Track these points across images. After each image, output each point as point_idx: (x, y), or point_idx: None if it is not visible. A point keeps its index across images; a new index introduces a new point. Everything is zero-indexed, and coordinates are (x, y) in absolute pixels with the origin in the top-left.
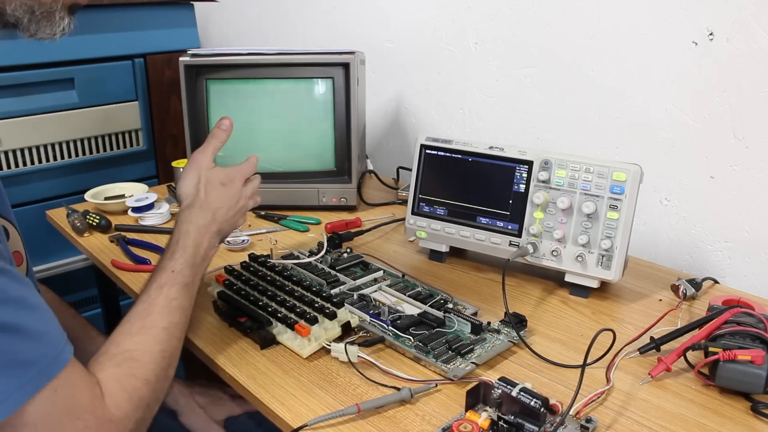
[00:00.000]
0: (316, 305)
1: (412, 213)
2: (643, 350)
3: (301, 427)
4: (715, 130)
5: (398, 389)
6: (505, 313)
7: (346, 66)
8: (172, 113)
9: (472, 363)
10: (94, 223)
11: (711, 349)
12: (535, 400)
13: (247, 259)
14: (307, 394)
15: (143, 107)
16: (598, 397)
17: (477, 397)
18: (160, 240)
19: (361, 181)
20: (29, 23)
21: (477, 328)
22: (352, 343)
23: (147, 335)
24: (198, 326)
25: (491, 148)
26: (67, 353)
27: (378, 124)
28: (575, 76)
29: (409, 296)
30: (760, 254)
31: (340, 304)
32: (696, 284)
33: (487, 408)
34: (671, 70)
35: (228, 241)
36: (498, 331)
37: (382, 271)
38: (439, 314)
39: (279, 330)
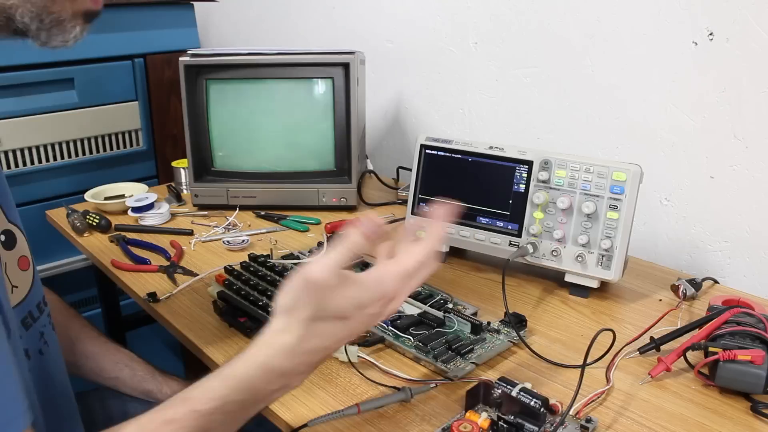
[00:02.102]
0: None
1: (412, 213)
2: (643, 350)
3: (301, 427)
4: (715, 130)
5: (398, 389)
6: (505, 313)
7: (346, 66)
8: (172, 113)
9: (472, 363)
10: (94, 223)
11: (711, 349)
12: (535, 400)
13: (247, 259)
14: (307, 394)
15: (143, 107)
16: (598, 397)
17: (477, 397)
18: (160, 240)
19: (361, 181)
20: (38, 31)
21: (477, 328)
22: (352, 343)
23: None
24: (198, 326)
25: (491, 148)
26: (16, 428)
27: (378, 124)
28: (575, 76)
29: (409, 296)
30: (760, 254)
31: None
32: (696, 284)
33: (487, 408)
34: (671, 70)
35: (228, 241)
36: (498, 331)
37: None
38: (439, 314)
39: None
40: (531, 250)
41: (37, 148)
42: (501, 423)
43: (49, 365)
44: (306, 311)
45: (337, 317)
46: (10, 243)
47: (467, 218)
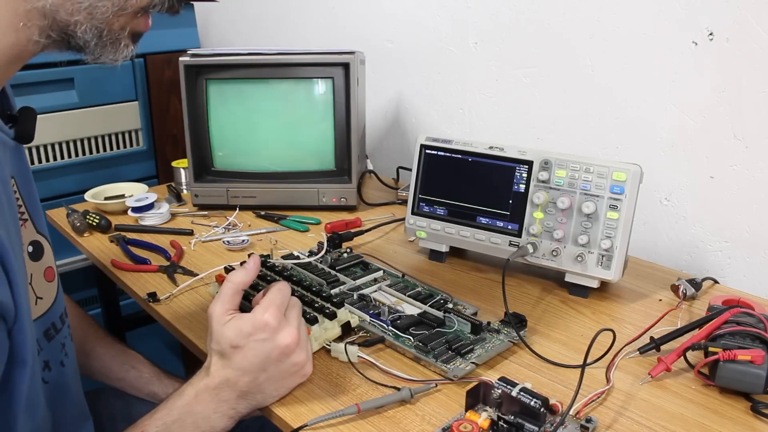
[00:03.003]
0: (316, 305)
1: (412, 213)
2: (643, 350)
3: (301, 427)
4: (715, 130)
5: (398, 389)
6: (505, 313)
7: (346, 66)
8: (172, 113)
9: (472, 363)
10: (94, 223)
11: (711, 349)
12: (535, 400)
13: (247, 259)
14: (307, 394)
15: (143, 107)
16: (598, 397)
17: (477, 397)
18: (160, 240)
19: (361, 181)
20: (95, 47)
21: (477, 328)
22: (352, 343)
23: None
24: (198, 326)
25: (491, 148)
26: None
27: (378, 124)
28: (575, 76)
29: (409, 296)
30: (760, 254)
31: (340, 304)
32: (696, 284)
33: (487, 408)
34: (671, 70)
35: (228, 241)
36: (498, 331)
37: (382, 271)
38: (439, 314)
39: None
40: (531, 250)
41: (37, 148)
42: (501, 423)
43: (68, 375)
44: (213, 344)
45: (232, 347)
46: (37, 254)
47: (467, 218)
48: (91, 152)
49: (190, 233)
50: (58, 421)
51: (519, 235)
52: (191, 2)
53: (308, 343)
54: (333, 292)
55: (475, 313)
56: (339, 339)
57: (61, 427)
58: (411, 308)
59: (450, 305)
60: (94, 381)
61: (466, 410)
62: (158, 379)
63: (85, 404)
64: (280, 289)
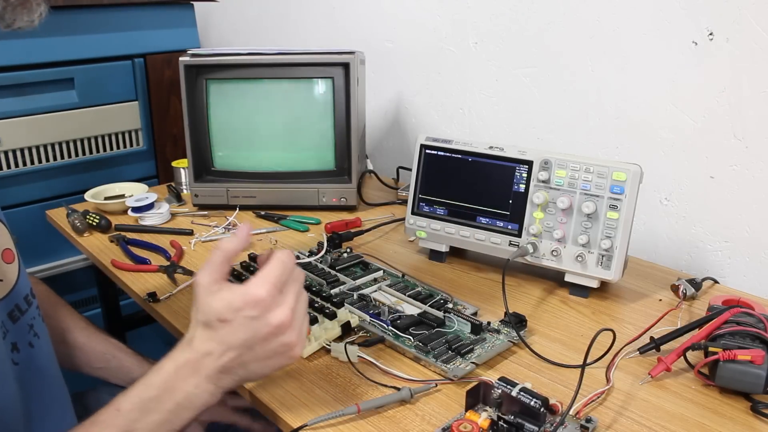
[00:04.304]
0: (316, 305)
1: (412, 213)
2: (643, 350)
3: (301, 427)
4: (715, 130)
5: (398, 389)
6: (505, 313)
7: (346, 66)
8: (172, 113)
9: (472, 363)
10: (94, 223)
11: (711, 349)
12: (535, 400)
13: (247, 259)
14: (307, 394)
15: (143, 107)
16: (598, 397)
17: (477, 397)
18: (160, 240)
19: (361, 181)
20: (4, 11)
21: (477, 328)
22: (352, 343)
23: None
24: None
25: (491, 148)
26: None
27: (378, 124)
28: (575, 76)
29: (409, 296)
30: (760, 254)
31: (340, 304)
32: (696, 284)
33: (487, 408)
34: (671, 70)
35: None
36: (498, 331)
37: (382, 271)
38: (439, 314)
39: None
40: (531, 250)
41: (37, 148)
42: (501, 423)
43: (40, 356)
44: (198, 314)
45: (219, 320)
46: None
47: (467, 218)
48: (91, 152)
49: (190, 233)
50: (34, 404)
51: (519, 235)
52: (191, 2)
53: (303, 323)
54: (333, 292)
55: (475, 313)
56: (339, 339)
57: (39, 410)
58: (411, 308)
59: (450, 305)
60: (77, 372)
61: (466, 410)
62: (139, 365)
63: (65, 389)
64: (282, 260)
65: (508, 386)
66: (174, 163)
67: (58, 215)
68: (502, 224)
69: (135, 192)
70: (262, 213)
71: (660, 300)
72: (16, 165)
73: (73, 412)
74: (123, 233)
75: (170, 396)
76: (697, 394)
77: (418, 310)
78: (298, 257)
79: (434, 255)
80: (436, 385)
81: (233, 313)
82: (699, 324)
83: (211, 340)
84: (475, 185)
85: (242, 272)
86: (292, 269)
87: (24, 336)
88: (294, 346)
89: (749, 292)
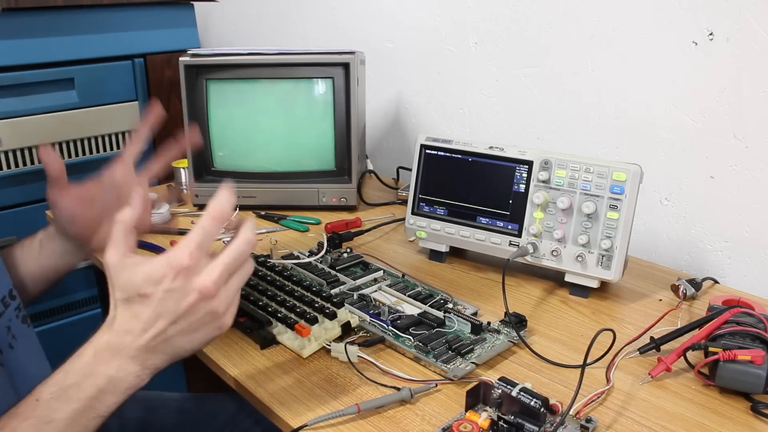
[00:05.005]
0: (316, 305)
1: (412, 213)
2: (643, 350)
3: (301, 427)
4: (715, 130)
5: (398, 389)
6: (505, 313)
7: (346, 66)
8: (172, 113)
9: (472, 363)
10: None
11: (711, 349)
12: (535, 400)
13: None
14: (307, 394)
15: (143, 107)
16: (598, 397)
17: (477, 397)
18: (160, 240)
19: (361, 181)
20: None
21: (477, 328)
22: (352, 343)
23: None
24: None
25: (491, 148)
26: None
27: (378, 124)
28: (575, 76)
29: (409, 296)
30: (760, 254)
31: (340, 304)
32: (696, 284)
33: (487, 408)
34: (671, 70)
35: (228, 241)
36: (498, 331)
37: (382, 271)
38: (439, 314)
39: (279, 330)
40: (531, 250)
41: (38, 148)
42: (501, 423)
43: (21, 358)
44: (116, 292)
45: (139, 295)
46: None
47: (467, 218)
48: (91, 152)
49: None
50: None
51: (519, 235)
52: (191, 2)
53: (234, 294)
54: (333, 292)
55: (475, 313)
56: (339, 339)
57: None
58: (411, 308)
59: (450, 305)
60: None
61: (466, 410)
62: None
63: None
64: (203, 226)
65: (508, 386)
66: (174, 163)
67: None
68: (502, 224)
69: None
70: (262, 213)
71: (660, 300)
72: (16, 165)
73: None
74: None
75: (91, 382)
76: (697, 394)
77: (418, 310)
78: (298, 257)
79: (434, 255)
80: (436, 385)
81: (154, 286)
82: (699, 324)
83: (133, 317)
84: (475, 185)
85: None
86: (216, 231)
87: (3, 338)
88: (221, 316)
89: (749, 292)
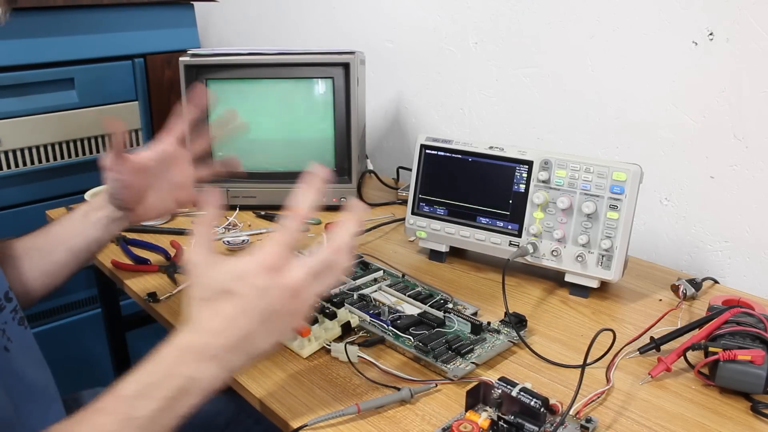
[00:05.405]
0: (316, 305)
1: (412, 213)
2: (643, 350)
3: (301, 427)
4: (715, 130)
5: (398, 389)
6: (505, 313)
7: (346, 66)
8: (172, 113)
9: (472, 363)
10: None
11: (711, 349)
12: (535, 400)
13: None
14: (307, 394)
15: (143, 107)
16: (598, 397)
17: (477, 397)
18: (161, 240)
19: (361, 181)
20: None
21: (477, 328)
22: (352, 343)
23: None
24: None
25: (491, 148)
26: None
27: (378, 124)
28: (575, 76)
29: (409, 296)
30: (760, 254)
31: (340, 304)
32: (696, 284)
33: (487, 408)
34: (671, 70)
35: (228, 241)
36: (498, 331)
37: (382, 271)
38: (439, 314)
39: None
40: (531, 250)
41: (37, 148)
42: (501, 423)
43: (17, 361)
44: (197, 292)
45: (223, 292)
46: None
47: (467, 218)
48: (91, 152)
49: (190, 233)
50: (19, 407)
51: (519, 235)
52: (191, 2)
53: (314, 297)
54: (333, 292)
55: (475, 313)
56: (339, 339)
57: (23, 411)
58: (411, 308)
59: (450, 305)
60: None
61: (466, 410)
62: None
63: (52, 389)
64: (287, 226)
65: (508, 386)
66: None
67: (58, 215)
68: (502, 224)
69: None
70: (262, 213)
71: (660, 300)
72: (16, 165)
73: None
74: (123, 233)
75: (172, 382)
76: (697, 394)
77: (418, 310)
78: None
79: (434, 255)
80: (436, 385)
81: (240, 282)
82: (699, 324)
83: (217, 316)
84: (475, 185)
85: None
86: (297, 233)
87: None
88: (298, 317)
89: (749, 292)
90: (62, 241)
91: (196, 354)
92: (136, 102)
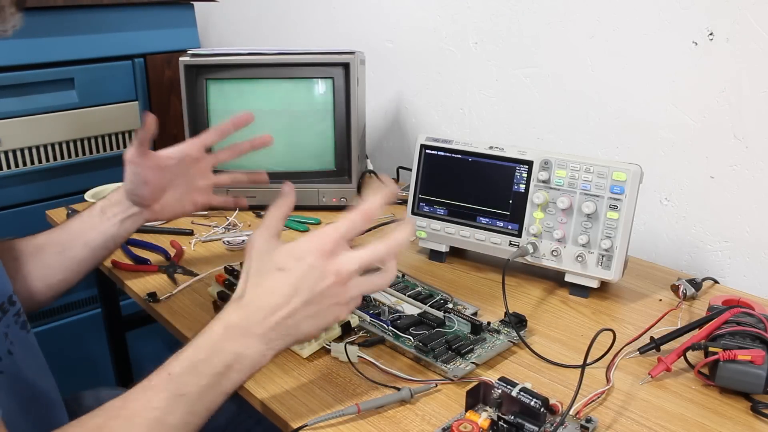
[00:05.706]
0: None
1: (412, 213)
2: (643, 350)
3: (301, 427)
4: (715, 130)
5: (398, 389)
6: (505, 313)
7: (346, 66)
8: (172, 113)
9: (472, 363)
10: None
11: (711, 349)
12: (535, 400)
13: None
14: (307, 394)
15: (143, 107)
16: (598, 397)
17: (477, 397)
18: (160, 240)
19: (361, 181)
20: None
21: (477, 328)
22: (352, 343)
23: None
24: (198, 326)
25: (491, 148)
26: None
27: (378, 124)
28: (575, 76)
29: (409, 296)
30: (760, 254)
31: None
32: (696, 284)
33: (487, 408)
34: (671, 70)
35: (228, 241)
36: (498, 331)
37: None
38: (439, 314)
39: None
40: (531, 250)
41: (37, 148)
42: (501, 423)
43: (20, 364)
44: (251, 268)
45: (278, 269)
46: None
47: (467, 218)
48: (91, 152)
49: (190, 233)
50: (25, 411)
51: (519, 235)
52: (191, 2)
53: (361, 290)
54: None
55: (475, 313)
56: (339, 339)
57: (28, 414)
58: (411, 308)
59: (450, 305)
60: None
61: (466, 410)
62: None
63: (54, 392)
64: (352, 219)
65: (508, 386)
66: None
67: (58, 215)
68: (502, 224)
69: None
70: (262, 213)
71: (660, 300)
72: (16, 165)
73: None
74: None
75: (220, 358)
76: (697, 394)
77: (418, 310)
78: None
79: (434, 255)
80: (436, 385)
81: (295, 261)
82: (699, 324)
83: (268, 293)
84: (475, 185)
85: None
86: (361, 229)
87: (0, 345)
88: (343, 306)
89: (749, 292)
90: (80, 235)
91: (243, 330)
92: (136, 102)
